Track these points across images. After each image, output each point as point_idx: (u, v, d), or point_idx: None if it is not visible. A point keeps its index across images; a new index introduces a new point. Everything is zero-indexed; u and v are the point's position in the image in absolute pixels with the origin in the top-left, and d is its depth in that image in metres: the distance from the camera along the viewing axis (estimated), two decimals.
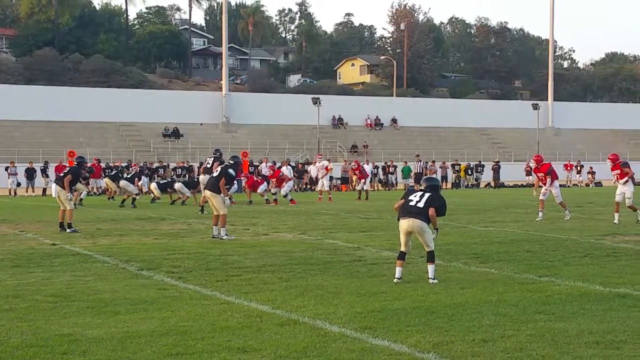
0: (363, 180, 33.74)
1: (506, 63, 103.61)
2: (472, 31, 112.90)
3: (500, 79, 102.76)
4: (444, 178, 48.81)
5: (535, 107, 63.54)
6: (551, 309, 8.65)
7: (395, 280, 10.55)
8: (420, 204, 10.69)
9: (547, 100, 72.81)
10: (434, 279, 10.53)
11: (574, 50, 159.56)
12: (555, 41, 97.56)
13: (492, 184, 50.16)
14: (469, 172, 51.24)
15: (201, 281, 10.65)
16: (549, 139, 68.13)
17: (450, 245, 14.86)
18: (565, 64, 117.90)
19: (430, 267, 10.65)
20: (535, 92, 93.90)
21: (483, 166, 52.58)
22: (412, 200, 10.81)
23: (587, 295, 9.50)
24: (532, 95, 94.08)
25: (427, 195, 10.81)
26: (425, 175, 40.12)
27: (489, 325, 7.87)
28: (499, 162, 52.46)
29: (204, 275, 11.15)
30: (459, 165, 51.32)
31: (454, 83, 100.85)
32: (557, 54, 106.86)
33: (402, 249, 10.84)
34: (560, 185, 51.27)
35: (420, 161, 45.63)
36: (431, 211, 10.65)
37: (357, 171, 34.38)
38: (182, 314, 8.47)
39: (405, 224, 10.76)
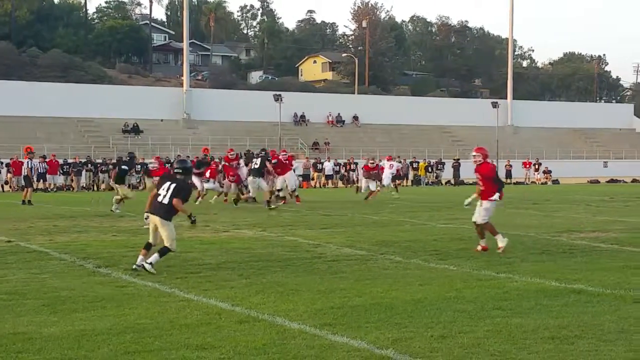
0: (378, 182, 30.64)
1: (466, 62, 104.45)
2: (433, 30, 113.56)
3: (460, 78, 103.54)
4: (405, 176, 49.10)
5: (495, 105, 64.12)
6: (508, 305, 8.74)
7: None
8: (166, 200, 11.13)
9: (506, 98, 73.52)
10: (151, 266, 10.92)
11: (533, 50, 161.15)
12: (515, 40, 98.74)
13: (452, 181, 50.54)
14: (429, 170, 51.58)
15: (160, 278, 10.57)
16: (508, 137, 68.80)
17: (410, 242, 14.93)
18: (525, 63, 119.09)
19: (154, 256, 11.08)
20: (494, 90, 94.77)
21: (443, 164, 53.00)
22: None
23: (543, 291, 9.61)
24: (491, 93, 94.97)
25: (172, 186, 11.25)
26: (399, 174, 40.51)
27: (447, 321, 7.92)
28: (459, 159, 52.85)
29: (163, 273, 11.06)
30: (418, 163, 51.64)
31: (415, 81, 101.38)
32: (516, 53, 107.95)
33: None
34: (518, 183, 51.91)
35: (401, 161, 45.64)
36: (175, 201, 11.08)
37: (374, 171, 30.44)
38: (140, 312, 8.40)
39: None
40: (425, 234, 16.68)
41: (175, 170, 11.66)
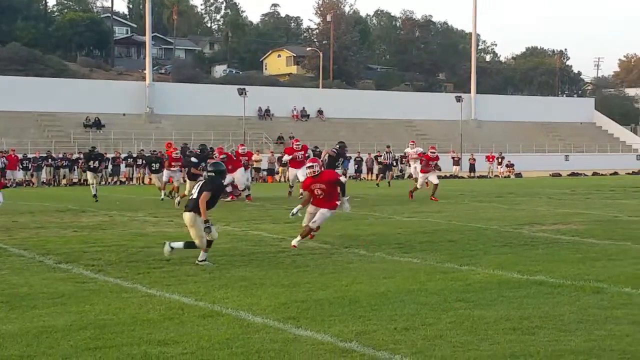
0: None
1: (431, 56, 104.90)
2: (398, 24, 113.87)
3: (424, 72, 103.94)
4: (370, 170, 49.29)
5: (459, 99, 64.53)
6: (471, 297, 8.80)
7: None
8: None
9: (470, 92, 74.01)
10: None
11: (496, 44, 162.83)
12: (478, 35, 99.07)
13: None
14: (394, 164, 51.69)
15: (122, 274, 10.48)
16: (471, 130, 69.28)
17: (374, 236, 14.98)
18: (488, 58, 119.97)
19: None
20: (458, 84, 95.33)
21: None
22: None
23: (505, 283, 9.70)
24: (455, 87, 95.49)
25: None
26: (385, 163, 39.82)
27: (410, 313, 7.96)
28: (422, 154, 53.00)
29: (125, 268, 10.97)
30: (382, 156, 51.68)
31: (379, 75, 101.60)
32: (479, 47, 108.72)
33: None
34: (482, 177, 52.28)
35: (390, 152, 45.47)
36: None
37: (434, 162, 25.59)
38: (102, 307, 8.32)
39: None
40: (389, 227, 16.73)
41: (209, 172, 12.03)
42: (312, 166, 13.43)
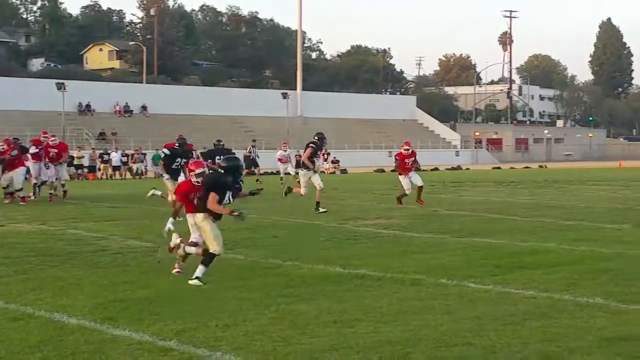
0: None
1: (257, 52, 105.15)
2: (224, 20, 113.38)
3: (251, 68, 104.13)
4: None
5: (285, 96, 65.22)
6: (293, 292, 8.84)
7: None
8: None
9: (296, 89, 74.90)
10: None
11: (322, 42, 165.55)
12: (304, 32, 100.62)
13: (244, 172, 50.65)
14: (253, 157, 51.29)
15: None
16: (298, 127, 70.10)
17: None
18: (314, 55, 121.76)
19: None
20: (285, 81, 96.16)
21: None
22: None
23: (328, 277, 9.81)
24: (282, 84, 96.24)
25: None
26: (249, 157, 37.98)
27: (232, 310, 7.88)
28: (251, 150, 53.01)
29: None
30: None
31: (205, 71, 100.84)
32: (305, 45, 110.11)
33: None
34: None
35: (255, 147, 44.47)
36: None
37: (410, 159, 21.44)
38: None
39: None
40: None
41: (221, 166, 10.06)
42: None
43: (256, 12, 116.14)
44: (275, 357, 6.24)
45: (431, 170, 54.38)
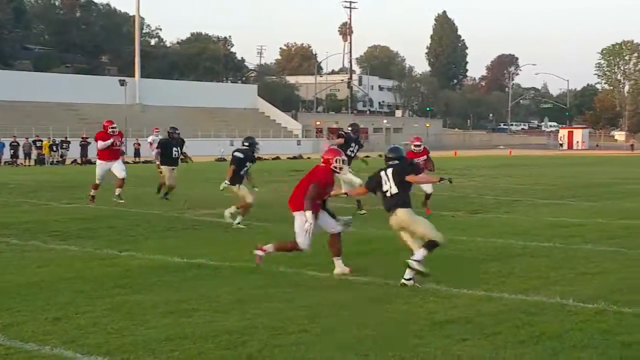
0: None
1: (93, 37, 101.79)
2: (57, 3, 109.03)
3: (87, 54, 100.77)
4: (27, 155, 46.90)
5: (122, 83, 63.54)
6: (130, 283, 8.65)
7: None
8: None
9: (134, 76, 73.23)
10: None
11: (161, 29, 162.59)
12: (143, 18, 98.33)
13: (79, 160, 49.11)
14: (54, 149, 49.65)
15: None
16: (136, 115, 68.58)
17: (29, 224, 14.21)
18: (153, 42, 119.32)
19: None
20: (123, 68, 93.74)
21: (69, 142, 51.36)
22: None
23: (165, 267, 9.67)
24: (119, 71, 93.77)
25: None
26: None
27: (64, 302, 7.62)
28: (87, 138, 51.45)
29: None
30: (42, 141, 49.43)
31: (37, 56, 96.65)
32: (144, 31, 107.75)
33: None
34: (147, 162, 51.88)
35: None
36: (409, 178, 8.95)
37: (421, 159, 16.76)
38: None
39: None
40: (46, 214, 15.97)
41: (388, 157, 9.14)
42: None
43: None
44: (108, 350, 6.07)
45: (273, 159, 54.73)
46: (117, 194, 17.94)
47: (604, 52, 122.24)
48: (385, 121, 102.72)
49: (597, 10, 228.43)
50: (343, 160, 9.48)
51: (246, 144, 14.39)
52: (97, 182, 18.06)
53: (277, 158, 55.85)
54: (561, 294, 8.04)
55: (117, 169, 18.08)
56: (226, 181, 14.15)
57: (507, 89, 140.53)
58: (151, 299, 7.81)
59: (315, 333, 6.59)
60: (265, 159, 54.14)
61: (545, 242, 11.68)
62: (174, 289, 8.32)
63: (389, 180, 8.94)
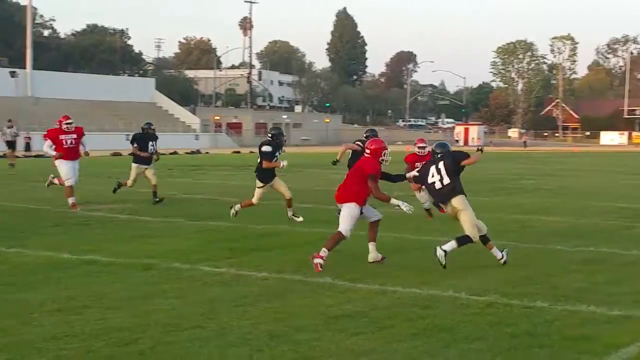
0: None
1: None
2: None
3: None
4: None
5: (13, 74, 61.56)
6: (16, 280, 8.39)
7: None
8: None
9: (26, 68, 70.97)
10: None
11: (55, 20, 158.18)
12: (35, 9, 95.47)
13: None
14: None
15: None
16: (28, 108, 66.48)
17: None
18: (46, 33, 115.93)
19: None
20: (14, 59, 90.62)
21: None
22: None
23: (55, 264, 9.39)
24: (10, 62, 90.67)
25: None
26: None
27: None
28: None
29: None
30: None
31: None
32: (37, 21, 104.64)
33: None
34: (39, 156, 50.40)
35: (12, 127, 40.01)
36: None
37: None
38: None
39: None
40: None
41: (438, 152, 9.93)
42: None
43: None
44: None
45: (170, 154, 53.98)
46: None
47: (499, 50, 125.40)
48: (284, 116, 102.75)
49: (493, 11, 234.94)
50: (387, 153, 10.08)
51: (271, 134, 14.18)
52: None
53: (175, 153, 55.09)
54: (454, 287, 8.19)
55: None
56: (283, 163, 13.85)
57: (405, 85, 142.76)
58: (39, 296, 7.56)
59: (210, 329, 6.50)
60: (162, 154, 53.41)
61: (439, 237, 11.88)
62: (63, 286, 8.08)
63: (438, 173, 9.66)
